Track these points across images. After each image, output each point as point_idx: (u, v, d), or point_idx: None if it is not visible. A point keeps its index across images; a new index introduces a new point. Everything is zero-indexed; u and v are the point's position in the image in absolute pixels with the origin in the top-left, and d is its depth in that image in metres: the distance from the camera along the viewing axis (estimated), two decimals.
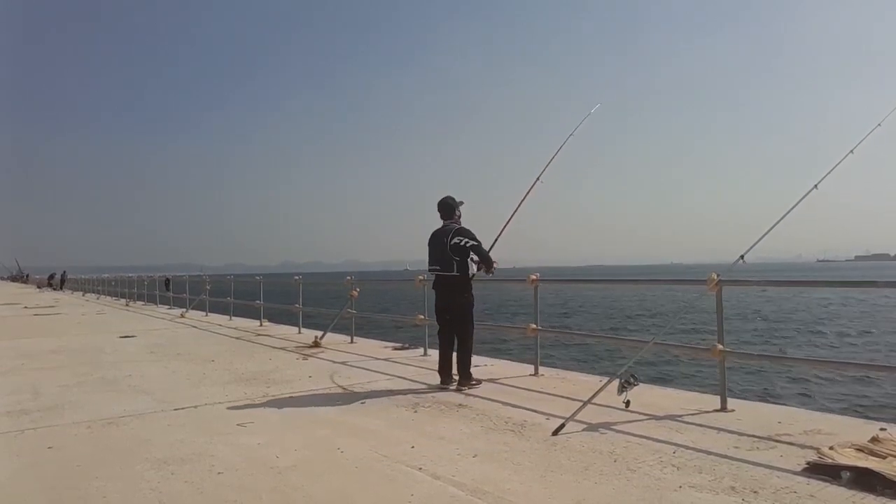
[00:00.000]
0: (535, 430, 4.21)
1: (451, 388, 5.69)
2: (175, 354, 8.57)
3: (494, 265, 5.81)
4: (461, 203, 5.97)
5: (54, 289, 43.63)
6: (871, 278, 5.76)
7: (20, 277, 73.16)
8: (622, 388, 4.56)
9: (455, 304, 5.75)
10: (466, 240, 5.69)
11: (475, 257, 5.77)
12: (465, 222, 5.98)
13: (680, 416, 4.52)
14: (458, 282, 5.72)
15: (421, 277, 8.06)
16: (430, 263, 5.86)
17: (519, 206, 6.32)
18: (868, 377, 12.68)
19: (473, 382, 5.74)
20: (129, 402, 5.42)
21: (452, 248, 5.66)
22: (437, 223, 5.92)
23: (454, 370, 5.79)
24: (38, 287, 47.48)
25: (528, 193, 6.31)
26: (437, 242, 5.79)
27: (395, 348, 8.61)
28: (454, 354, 5.80)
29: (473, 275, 5.79)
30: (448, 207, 5.91)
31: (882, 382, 12.41)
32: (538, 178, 6.31)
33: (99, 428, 4.53)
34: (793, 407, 5.49)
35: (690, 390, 6.01)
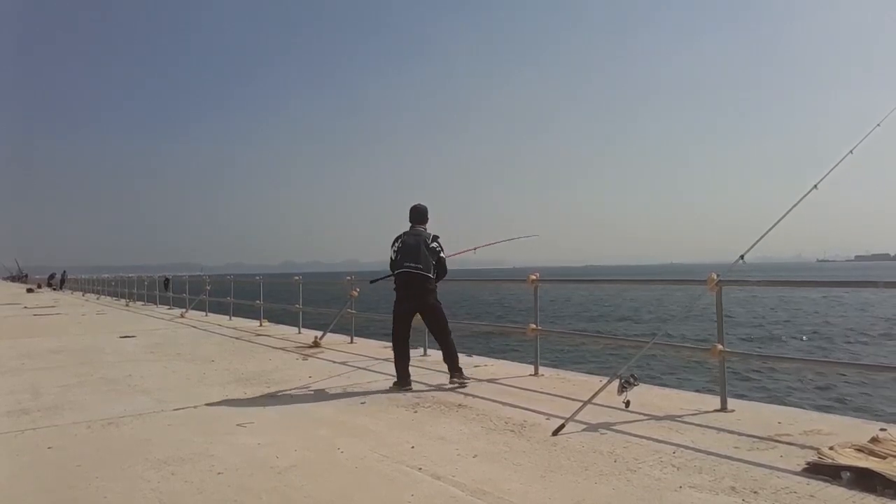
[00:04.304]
0: (535, 431, 4.21)
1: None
2: (175, 354, 8.57)
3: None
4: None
5: (53, 289, 43.44)
6: (871, 278, 5.76)
7: (20, 277, 72.89)
8: (622, 389, 4.56)
9: (429, 304, 5.91)
10: (440, 248, 5.96)
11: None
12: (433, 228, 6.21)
13: (680, 416, 4.52)
14: (433, 284, 5.93)
15: None
16: (408, 261, 5.85)
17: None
18: (868, 377, 12.67)
19: (466, 376, 5.91)
20: (129, 402, 5.42)
21: (430, 251, 5.88)
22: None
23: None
24: (37, 287, 45.10)
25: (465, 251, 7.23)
26: (416, 243, 5.91)
27: None
28: (437, 354, 5.99)
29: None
30: (422, 214, 6.16)
31: (882, 382, 12.40)
32: (475, 248, 7.55)
33: (99, 428, 4.52)
34: (793, 407, 5.49)
35: (690, 390, 6.01)
